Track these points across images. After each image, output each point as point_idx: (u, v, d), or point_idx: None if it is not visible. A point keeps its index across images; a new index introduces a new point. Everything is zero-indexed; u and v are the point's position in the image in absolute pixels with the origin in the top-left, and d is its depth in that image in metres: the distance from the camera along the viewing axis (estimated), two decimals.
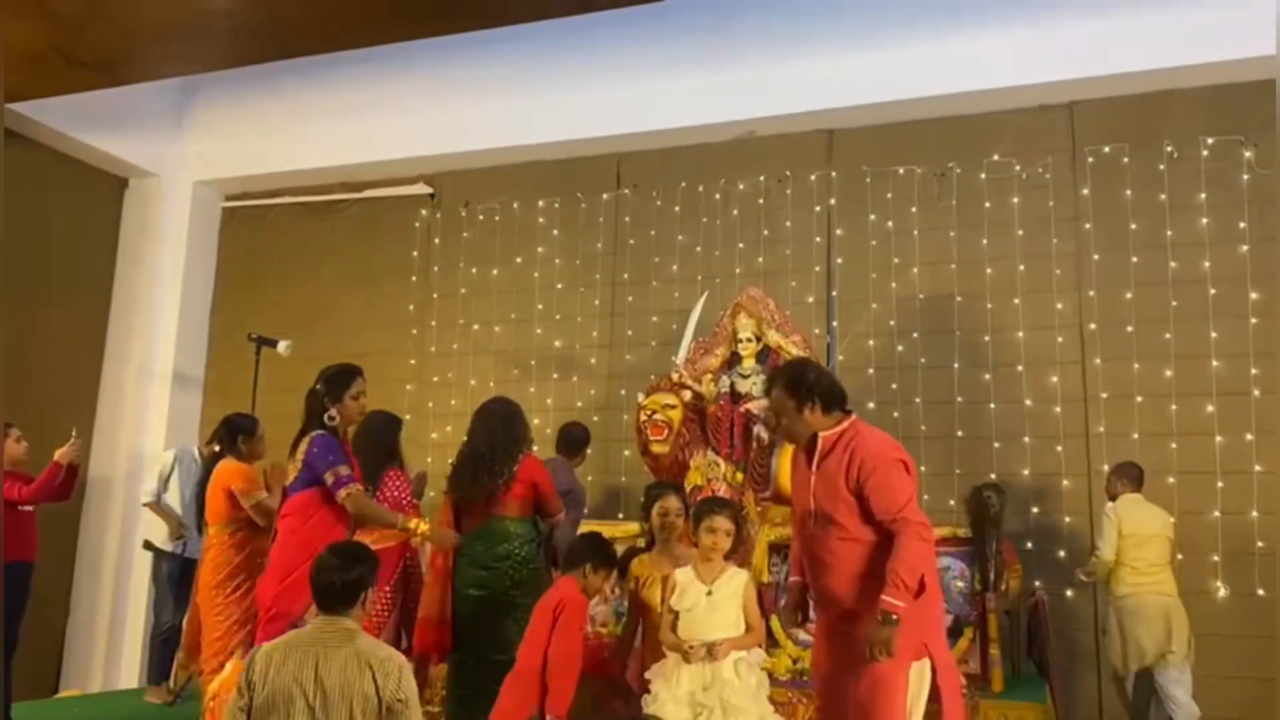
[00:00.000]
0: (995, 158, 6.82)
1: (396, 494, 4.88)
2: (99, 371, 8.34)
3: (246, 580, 5.05)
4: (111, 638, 7.95)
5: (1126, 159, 6.55)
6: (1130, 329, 6.38)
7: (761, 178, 7.34)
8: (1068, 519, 6.30)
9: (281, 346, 7.09)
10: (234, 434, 5.41)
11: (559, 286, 7.76)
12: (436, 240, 8.19)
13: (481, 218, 8.06)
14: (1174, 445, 6.19)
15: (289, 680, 2.90)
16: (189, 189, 8.63)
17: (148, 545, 6.41)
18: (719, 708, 3.57)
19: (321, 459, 4.17)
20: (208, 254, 8.82)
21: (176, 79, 8.15)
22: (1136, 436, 6.26)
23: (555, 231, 7.86)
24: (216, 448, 5.46)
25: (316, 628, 3.04)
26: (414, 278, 8.21)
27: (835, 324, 7.03)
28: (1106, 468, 6.24)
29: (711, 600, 3.77)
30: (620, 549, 4.99)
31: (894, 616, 3.31)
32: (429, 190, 8.29)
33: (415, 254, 8.24)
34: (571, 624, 3.93)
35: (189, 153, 8.64)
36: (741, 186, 7.39)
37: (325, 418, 4.27)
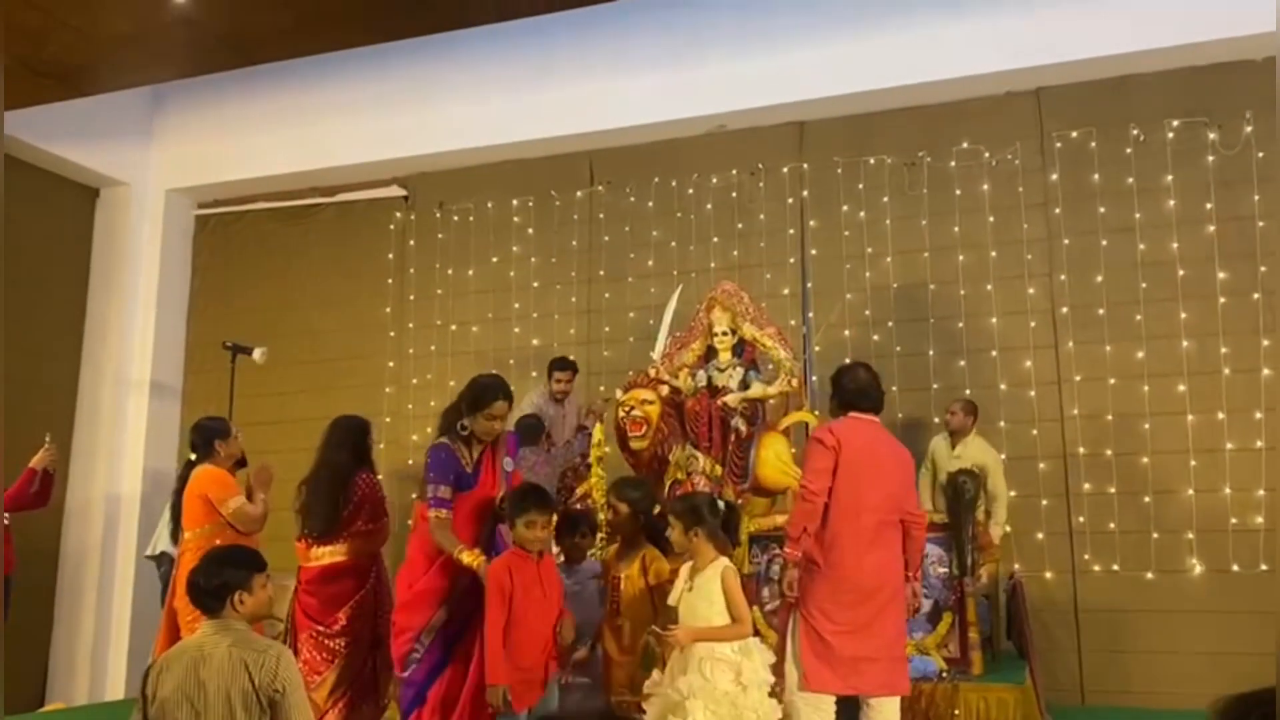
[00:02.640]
0: (964, 145, 6.86)
1: (364, 495, 4.79)
2: (76, 383, 8.28)
3: None
4: (96, 650, 7.90)
5: (1093, 143, 6.61)
6: (1101, 311, 6.45)
7: (734, 171, 7.37)
8: (1045, 502, 6.35)
9: (256, 354, 7.08)
10: (209, 439, 5.30)
11: (535, 285, 7.77)
12: (411, 242, 8.18)
13: (456, 218, 8.06)
14: (1147, 426, 6.26)
15: (174, 688, 2.91)
16: (161, 198, 8.58)
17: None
18: (668, 710, 3.41)
19: (426, 471, 4.15)
20: (182, 262, 8.78)
21: (145, 87, 8.12)
22: (1110, 418, 6.34)
23: (530, 230, 7.86)
24: (192, 455, 5.41)
25: (201, 631, 3.05)
26: (390, 280, 8.20)
27: (811, 315, 7.07)
28: (1082, 450, 6.32)
29: (691, 595, 3.72)
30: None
31: (786, 563, 4.09)
32: (402, 192, 8.29)
33: (390, 256, 8.23)
34: (487, 590, 3.89)
35: (160, 161, 8.59)
36: (714, 180, 7.41)
37: (458, 426, 4.21)
